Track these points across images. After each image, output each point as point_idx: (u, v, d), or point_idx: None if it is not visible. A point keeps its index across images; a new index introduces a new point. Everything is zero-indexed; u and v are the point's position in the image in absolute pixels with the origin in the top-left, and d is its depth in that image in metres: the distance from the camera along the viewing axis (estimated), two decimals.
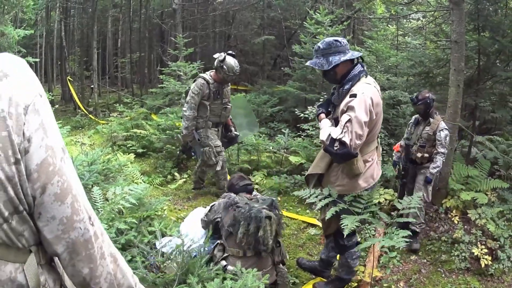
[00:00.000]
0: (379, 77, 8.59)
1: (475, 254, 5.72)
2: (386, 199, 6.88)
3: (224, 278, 3.60)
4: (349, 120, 3.92)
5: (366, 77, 4.27)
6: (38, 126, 1.30)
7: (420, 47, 8.99)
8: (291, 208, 7.31)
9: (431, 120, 6.04)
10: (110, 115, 13.52)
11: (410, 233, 4.02)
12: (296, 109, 9.07)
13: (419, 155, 6.07)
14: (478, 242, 5.90)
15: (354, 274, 5.03)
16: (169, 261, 3.98)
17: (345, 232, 3.85)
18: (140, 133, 10.44)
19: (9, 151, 1.20)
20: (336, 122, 4.24)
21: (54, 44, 18.31)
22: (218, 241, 4.70)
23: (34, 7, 19.03)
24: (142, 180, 8.22)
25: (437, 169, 5.98)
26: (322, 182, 4.62)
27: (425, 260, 5.97)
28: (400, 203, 4.12)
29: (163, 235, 4.68)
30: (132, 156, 9.46)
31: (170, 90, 10.62)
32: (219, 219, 4.68)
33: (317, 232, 6.42)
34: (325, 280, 5.22)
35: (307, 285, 5.28)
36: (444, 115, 6.55)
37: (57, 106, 16.74)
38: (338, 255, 5.02)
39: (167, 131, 9.44)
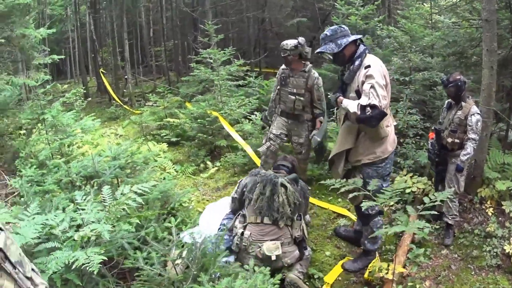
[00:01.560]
0: (412, 58, 8.30)
1: (507, 251, 5.43)
2: (419, 188, 6.62)
3: (236, 276, 3.51)
4: (372, 86, 4.38)
5: (369, 53, 4.85)
6: None
7: (452, 26, 8.63)
8: (323, 196, 7.15)
9: (463, 104, 5.76)
10: (146, 104, 13.53)
11: (427, 224, 3.97)
12: (329, 93, 8.86)
13: (449, 140, 5.80)
14: (511, 238, 5.63)
15: (378, 244, 5.40)
16: (180, 259, 3.90)
17: (363, 208, 4.24)
18: (173, 122, 10.42)
19: None
20: (358, 95, 4.64)
21: (87, 37, 18.47)
22: (241, 212, 5.18)
23: (61, 4, 19.37)
24: (174, 169, 8.25)
25: (468, 156, 5.69)
26: (350, 156, 5.00)
27: (456, 255, 5.72)
28: (429, 197, 4.09)
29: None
30: (165, 145, 9.50)
31: (203, 77, 10.51)
32: (245, 189, 5.16)
33: (347, 223, 6.26)
34: (351, 258, 5.52)
35: (336, 267, 5.34)
36: (478, 99, 6.25)
37: (91, 98, 16.94)
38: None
39: (199, 120, 9.34)
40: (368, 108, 4.33)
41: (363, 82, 4.53)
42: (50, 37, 16.14)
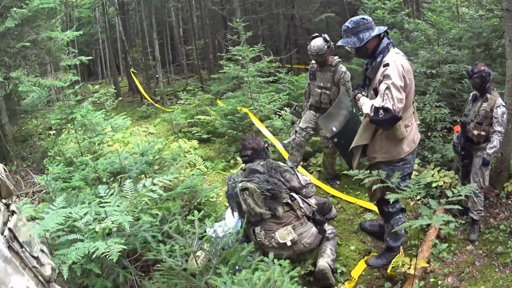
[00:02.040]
0: (439, 50, 8.25)
1: None
2: (445, 182, 6.60)
3: (256, 269, 3.59)
4: (387, 88, 4.26)
5: (394, 48, 4.64)
6: None
7: (478, 17, 8.53)
8: (351, 191, 7.16)
9: (488, 96, 5.71)
10: (177, 102, 13.69)
11: (452, 219, 3.94)
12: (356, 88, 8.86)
13: (475, 132, 5.76)
14: None
15: (402, 241, 5.30)
16: (200, 251, 4.01)
17: (391, 200, 4.08)
18: (204, 119, 10.53)
19: None
20: (375, 93, 4.55)
21: (117, 38, 18.75)
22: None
23: (88, 6, 19.71)
24: (205, 165, 8.36)
25: (494, 149, 5.64)
26: (367, 152, 4.93)
27: (481, 251, 5.65)
28: (451, 191, 4.06)
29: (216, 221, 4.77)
30: (195, 142, 9.62)
31: (233, 74, 10.61)
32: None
33: (373, 217, 6.27)
34: (375, 254, 5.47)
35: (360, 263, 5.35)
36: (504, 91, 6.19)
37: (122, 98, 17.35)
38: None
39: (229, 116, 9.46)
40: (381, 111, 4.26)
41: (380, 81, 4.40)
42: (80, 39, 16.44)
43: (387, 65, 4.37)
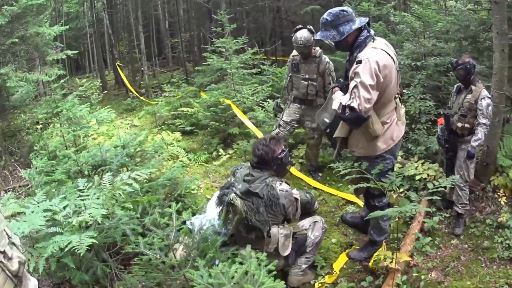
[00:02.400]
0: (424, 43, 8.18)
1: None
2: (429, 175, 6.53)
3: (233, 262, 3.50)
4: (355, 86, 4.11)
5: (373, 41, 4.39)
6: None
7: (466, 10, 8.48)
8: (333, 183, 7.11)
9: (473, 88, 5.65)
10: (162, 95, 13.61)
11: (430, 210, 3.90)
12: (341, 79, 8.80)
13: (459, 125, 5.69)
14: None
15: (386, 235, 5.26)
16: (178, 243, 3.92)
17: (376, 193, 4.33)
18: (187, 111, 10.46)
19: None
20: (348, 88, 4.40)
21: (104, 32, 18.71)
22: None
23: (77, 1, 19.74)
24: (187, 157, 8.31)
25: (479, 142, 5.58)
26: (348, 145, 4.85)
27: (466, 246, 5.62)
28: (432, 183, 4.05)
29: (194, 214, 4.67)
30: (178, 134, 9.58)
31: (217, 66, 10.52)
32: None
33: (355, 210, 6.21)
34: (357, 247, 5.44)
35: (341, 256, 5.29)
36: (490, 84, 6.12)
37: (108, 91, 17.34)
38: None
39: (211, 108, 9.38)
40: (347, 109, 4.16)
41: (351, 78, 4.25)
42: (68, 33, 16.53)
43: (359, 62, 4.17)
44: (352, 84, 4.16)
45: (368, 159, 4.60)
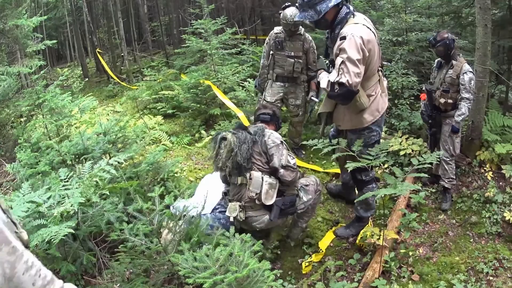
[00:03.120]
0: (406, 19, 8.11)
1: (507, 218, 5.31)
2: (414, 150, 6.50)
3: (218, 244, 3.44)
4: (343, 62, 4.12)
5: (353, 17, 4.41)
6: None
7: None
8: (317, 160, 7.09)
9: (454, 62, 5.61)
10: (143, 79, 13.47)
11: (419, 187, 3.86)
12: (322, 57, 8.73)
13: (442, 100, 5.66)
14: None
15: (373, 212, 5.26)
16: (163, 228, 3.85)
17: (349, 169, 4.11)
18: (168, 94, 10.35)
19: None
20: (333, 65, 4.45)
21: (84, 20, 18.48)
22: None
23: None
24: (170, 141, 8.23)
25: (463, 116, 5.56)
26: (333, 119, 4.91)
27: (454, 221, 5.61)
28: (417, 159, 4.02)
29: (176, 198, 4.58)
30: (160, 118, 9.49)
31: (197, 48, 10.39)
32: None
33: (339, 183, 6.14)
34: (344, 225, 5.45)
35: (328, 234, 5.25)
36: (474, 59, 6.08)
37: (90, 79, 17.11)
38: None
39: (192, 90, 9.30)
40: (336, 86, 4.19)
41: (336, 55, 4.27)
42: (47, 23, 16.42)
43: (343, 38, 4.20)
44: (338, 60, 4.17)
45: (355, 132, 4.66)
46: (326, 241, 5.10)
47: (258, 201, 4.46)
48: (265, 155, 4.55)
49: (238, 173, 4.53)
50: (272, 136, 4.60)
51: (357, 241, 4.99)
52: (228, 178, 4.72)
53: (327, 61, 4.75)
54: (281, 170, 4.49)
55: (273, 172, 4.56)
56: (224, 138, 4.58)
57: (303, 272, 4.73)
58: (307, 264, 4.74)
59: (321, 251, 4.91)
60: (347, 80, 4.08)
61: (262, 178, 4.49)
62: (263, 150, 4.54)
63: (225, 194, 4.93)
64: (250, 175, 4.48)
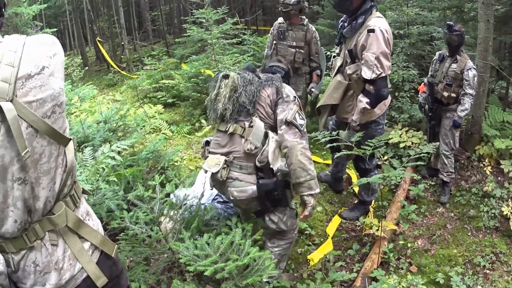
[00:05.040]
0: (407, 12, 8.10)
1: (505, 213, 5.35)
2: (413, 143, 6.52)
3: (219, 234, 3.45)
4: (377, 58, 4.11)
5: (376, 10, 4.40)
6: None
7: None
8: (316, 151, 7.09)
9: (458, 57, 5.62)
10: (143, 68, 13.45)
11: (415, 175, 3.87)
12: (323, 48, 8.72)
13: (445, 94, 5.66)
14: (510, 199, 5.54)
15: (376, 195, 5.27)
16: (163, 216, 3.86)
17: (337, 155, 4.25)
18: (169, 83, 10.34)
19: None
20: (350, 55, 4.43)
21: (84, 8, 18.40)
22: None
23: None
24: (170, 130, 8.23)
25: (466, 111, 5.60)
26: (338, 112, 4.88)
27: (452, 214, 5.65)
28: (414, 150, 4.17)
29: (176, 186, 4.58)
30: (160, 107, 9.47)
31: (198, 37, 10.37)
32: None
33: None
34: (347, 208, 5.53)
35: (334, 218, 5.30)
36: (475, 54, 6.09)
37: (89, 67, 17.15)
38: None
39: (192, 79, 9.33)
40: (378, 83, 4.17)
41: (363, 47, 4.24)
42: (47, 12, 16.43)
43: (372, 31, 4.16)
44: (370, 56, 4.14)
45: (363, 125, 4.59)
46: (333, 226, 5.14)
47: (259, 162, 3.57)
48: (274, 106, 3.78)
49: (236, 120, 3.72)
50: (287, 89, 3.82)
51: (363, 233, 5.03)
52: (218, 125, 3.90)
53: (328, 53, 4.73)
54: (283, 126, 3.59)
55: (274, 128, 3.75)
56: (226, 76, 3.79)
57: (311, 264, 4.56)
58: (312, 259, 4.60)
59: (328, 236, 4.94)
60: (383, 72, 4.13)
61: (267, 132, 3.67)
62: (274, 99, 3.77)
63: (206, 143, 4.06)
64: (251, 122, 3.68)
